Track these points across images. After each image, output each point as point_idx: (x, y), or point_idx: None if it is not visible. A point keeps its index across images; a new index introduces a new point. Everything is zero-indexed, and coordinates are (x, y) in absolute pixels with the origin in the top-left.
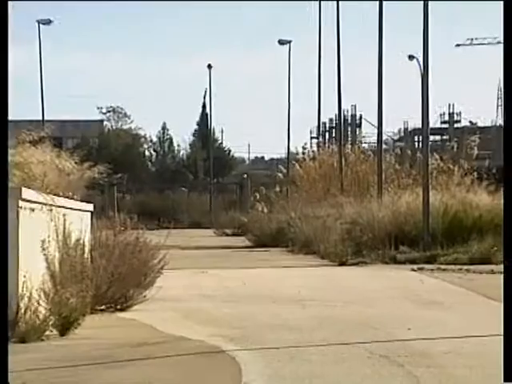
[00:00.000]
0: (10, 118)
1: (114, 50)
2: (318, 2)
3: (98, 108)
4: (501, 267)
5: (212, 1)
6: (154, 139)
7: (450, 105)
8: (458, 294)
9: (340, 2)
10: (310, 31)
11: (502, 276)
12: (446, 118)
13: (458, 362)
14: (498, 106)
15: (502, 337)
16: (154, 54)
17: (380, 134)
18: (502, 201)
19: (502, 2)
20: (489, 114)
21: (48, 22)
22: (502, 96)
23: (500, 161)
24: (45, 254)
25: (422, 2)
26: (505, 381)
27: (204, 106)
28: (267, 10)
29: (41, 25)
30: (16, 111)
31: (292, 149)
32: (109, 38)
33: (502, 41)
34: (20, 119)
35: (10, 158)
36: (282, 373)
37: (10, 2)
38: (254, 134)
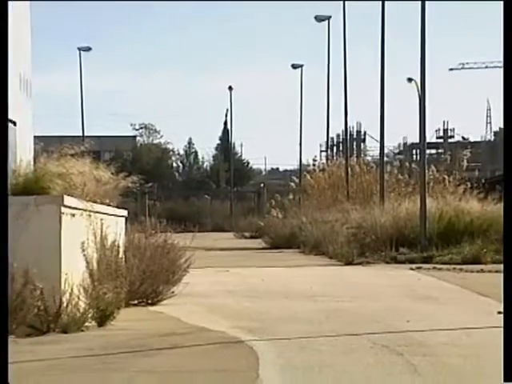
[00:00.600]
0: (55, 134)
1: (145, 72)
2: (327, 33)
3: (132, 125)
4: (490, 266)
5: (232, 31)
6: (181, 152)
7: (444, 122)
8: (452, 291)
9: (347, 32)
10: (320, 56)
11: (491, 274)
12: (441, 133)
13: (453, 352)
14: (486, 123)
15: (502, 337)
16: (182, 76)
17: (382, 147)
18: (503, 203)
19: (500, 4)
20: (479, 130)
21: (87, 49)
22: (490, 113)
23: (488, 172)
24: (84, 255)
25: (420, 34)
26: (505, 381)
27: (225, 123)
28: (282, 36)
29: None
30: (60, 128)
31: (304, 161)
32: (140, 62)
33: (502, 41)
34: (63, 135)
35: (53, 169)
36: (294, 362)
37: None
38: (270, 147)
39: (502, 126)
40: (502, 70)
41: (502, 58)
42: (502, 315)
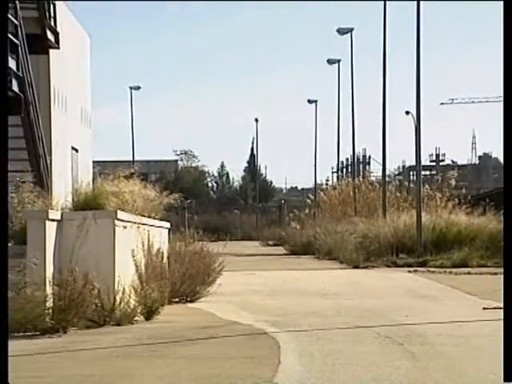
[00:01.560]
0: (110, 159)
1: (185, 105)
2: (337, 73)
3: (174, 151)
4: (476, 270)
5: (258, 74)
6: (215, 174)
7: (436, 148)
8: (443, 290)
9: (354, 72)
10: (332, 93)
11: (476, 276)
12: (434, 157)
13: (447, 341)
14: (472, 149)
15: (502, 338)
16: (216, 108)
17: (384, 169)
18: (503, 204)
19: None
20: (466, 155)
21: (137, 88)
22: (476, 141)
23: (474, 190)
24: (134, 260)
25: (415, 75)
26: (505, 381)
27: (252, 149)
28: (300, 75)
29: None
30: (114, 153)
31: (318, 181)
32: (181, 97)
33: (502, 41)
34: (117, 160)
35: (108, 189)
36: (310, 350)
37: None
38: (290, 169)
39: (485, 151)
40: (485, 104)
41: (485, 95)
42: (486, 310)
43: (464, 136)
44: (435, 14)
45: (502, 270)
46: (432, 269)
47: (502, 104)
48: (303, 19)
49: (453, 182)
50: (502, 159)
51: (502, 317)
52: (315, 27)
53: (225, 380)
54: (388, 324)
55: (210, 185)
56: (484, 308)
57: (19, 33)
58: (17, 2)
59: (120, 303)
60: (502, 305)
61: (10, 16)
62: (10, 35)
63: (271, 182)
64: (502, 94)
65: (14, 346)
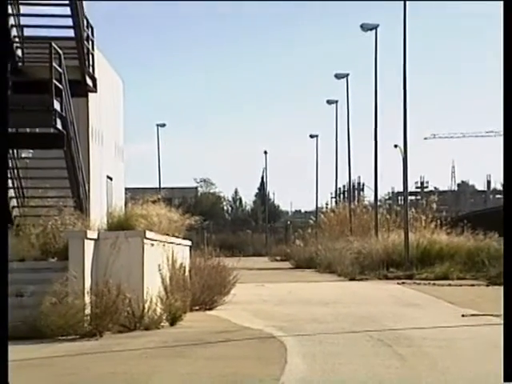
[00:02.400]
0: (139, 186)
1: (205, 140)
2: (335, 112)
3: (194, 179)
4: (455, 282)
5: (265, 111)
6: (230, 198)
7: (421, 176)
8: (427, 300)
9: (350, 109)
10: (331, 128)
11: (456, 287)
12: (419, 184)
13: (430, 344)
14: (451, 177)
15: (502, 338)
16: (231, 142)
17: (376, 195)
18: (503, 205)
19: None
20: (446, 182)
21: (163, 125)
22: (455, 170)
23: (453, 213)
24: (160, 273)
25: (403, 114)
26: (505, 381)
27: (262, 177)
28: (302, 115)
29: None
30: (143, 181)
31: (319, 204)
32: (202, 134)
33: (503, 42)
34: (145, 187)
35: (138, 212)
36: (313, 351)
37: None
38: (294, 194)
39: (463, 179)
40: (463, 138)
41: (462, 130)
42: (465, 317)
43: (445, 166)
44: (422, 68)
45: (478, 281)
46: (418, 281)
47: (477, 139)
48: (306, 63)
49: (434, 206)
50: (477, 186)
51: (484, 322)
52: (318, 71)
53: (240, 377)
54: (380, 329)
55: (225, 208)
56: (463, 315)
57: (63, 79)
58: (61, 53)
59: (148, 311)
60: (478, 312)
61: (54, 65)
62: (55, 81)
63: (278, 206)
64: (476, 131)
65: (57, 347)
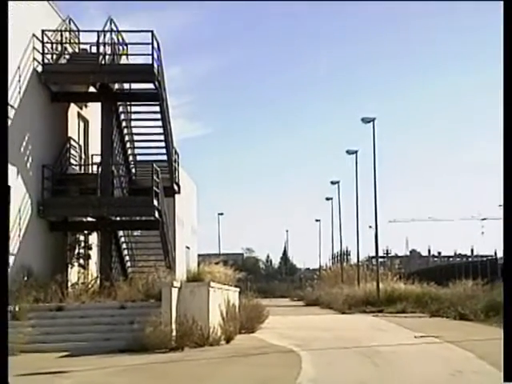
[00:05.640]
0: (206, 252)
1: (250, 218)
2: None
3: (242, 248)
4: (410, 315)
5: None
6: (264, 260)
7: (386, 246)
8: (392, 327)
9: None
10: (327, 214)
11: (410, 318)
12: (386, 250)
13: (394, 355)
14: (406, 247)
15: (503, 338)
16: (255, 217)
17: (358, 258)
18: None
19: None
20: (402, 250)
21: (221, 214)
22: (408, 242)
23: (407, 270)
24: (219, 309)
25: (373, 204)
26: (505, 381)
27: (285, 247)
28: (308, 177)
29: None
30: (209, 249)
31: (322, 264)
32: (245, 214)
33: (502, 42)
34: (210, 253)
35: (206, 270)
36: (318, 360)
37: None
38: (307, 255)
39: (414, 248)
40: (415, 222)
41: (413, 216)
42: (416, 338)
43: (401, 239)
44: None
45: (424, 314)
46: (386, 314)
47: (422, 222)
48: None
49: (396, 266)
50: (422, 253)
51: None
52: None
53: (271, 377)
54: (361, 346)
55: (261, 266)
56: (415, 336)
57: (159, 186)
58: (159, 170)
59: (212, 333)
60: (425, 334)
61: (154, 177)
62: (154, 188)
63: (295, 264)
64: (421, 217)
65: (154, 357)
